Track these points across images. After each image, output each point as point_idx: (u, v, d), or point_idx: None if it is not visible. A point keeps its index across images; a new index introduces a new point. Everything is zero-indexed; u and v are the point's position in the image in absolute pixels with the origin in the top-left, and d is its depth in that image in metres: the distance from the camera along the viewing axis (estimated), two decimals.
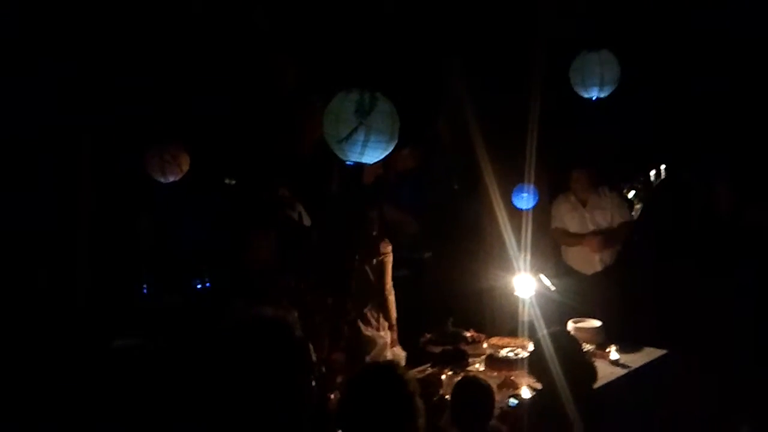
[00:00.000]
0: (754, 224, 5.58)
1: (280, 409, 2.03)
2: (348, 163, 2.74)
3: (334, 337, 3.61)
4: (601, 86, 3.74)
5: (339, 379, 3.26)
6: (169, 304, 5.38)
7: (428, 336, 4.71)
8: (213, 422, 2.05)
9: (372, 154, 2.71)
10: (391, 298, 4.78)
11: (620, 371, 4.24)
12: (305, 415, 2.15)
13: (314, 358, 2.04)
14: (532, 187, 5.21)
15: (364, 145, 2.66)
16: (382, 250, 4.66)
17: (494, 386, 4.01)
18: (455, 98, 4.96)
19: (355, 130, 2.59)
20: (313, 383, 2.12)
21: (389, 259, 4.70)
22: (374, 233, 4.66)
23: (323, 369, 3.16)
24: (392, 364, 2.80)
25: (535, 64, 4.48)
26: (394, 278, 5.05)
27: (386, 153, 2.78)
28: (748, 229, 5.58)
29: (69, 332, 4.69)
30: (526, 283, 4.72)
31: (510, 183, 5.28)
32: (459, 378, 3.70)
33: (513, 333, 4.73)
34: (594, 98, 3.80)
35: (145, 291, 5.91)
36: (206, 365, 2.17)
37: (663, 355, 4.46)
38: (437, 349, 4.43)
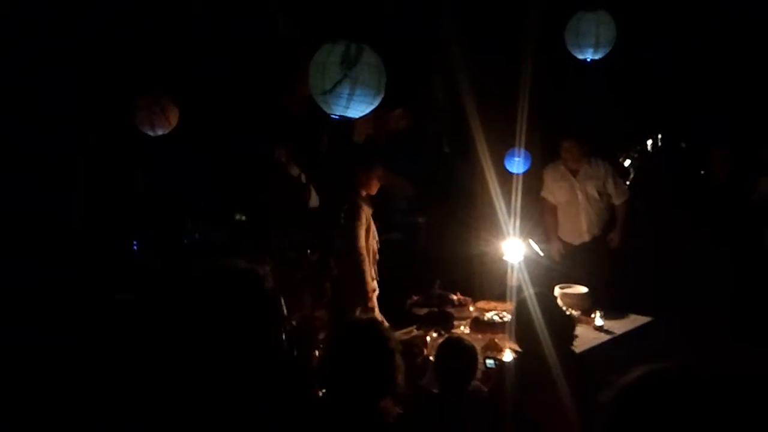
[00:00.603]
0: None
1: (249, 359, 2.03)
2: (333, 116, 2.69)
3: (317, 294, 3.60)
4: (596, 47, 3.67)
5: (321, 336, 3.26)
6: (158, 260, 5.36)
7: (415, 298, 4.71)
8: (183, 372, 2.04)
9: (357, 108, 2.66)
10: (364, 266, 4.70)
11: (604, 337, 4.26)
12: (275, 365, 2.14)
13: (285, 311, 2.02)
14: (524, 151, 5.15)
15: (350, 99, 2.60)
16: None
17: (478, 348, 4.05)
18: (450, 59, 4.87)
19: (339, 82, 2.54)
20: (284, 336, 2.11)
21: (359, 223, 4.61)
22: (364, 193, 4.63)
23: (305, 325, 3.15)
24: (373, 321, 2.79)
25: (530, 25, 4.39)
26: (387, 241, 5.06)
27: (372, 107, 2.73)
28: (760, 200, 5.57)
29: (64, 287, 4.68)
30: (514, 249, 4.71)
31: (503, 147, 5.22)
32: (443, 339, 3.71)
33: (501, 297, 4.74)
34: (588, 59, 3.73)
35: (135, 247, 5.88)
36: (177, 315, 2.16)
37: (647, 322, 4.48)
38: (423, 311, 4.45)
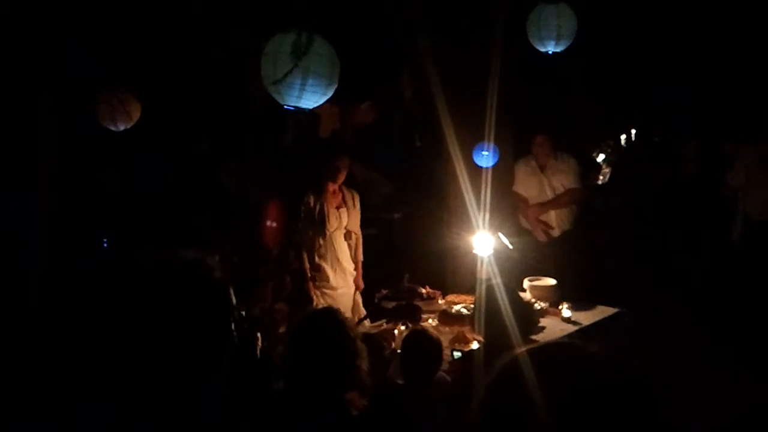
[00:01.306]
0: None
1: (198, 351, 2.02)
2: (287, 107, 2.68)
3: (277, 287, 3.59)
4: (558, 40, 3.68)
5: (282, 330, 3.26)
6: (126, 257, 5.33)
7: (384, 292, 4.73)
8: (131, 362, 2.03)
9: (310, 99, 2.65)
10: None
11: (571, 328, 4.28)
12: (224, 357, 2.14)
13: (234, 301, 2.01)
14: (492, 145, 5.17)
15: (302, 89, 2.59)
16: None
17: (446, 341, 4.07)
18: (417, 53, 4.87)
19: (290, 71, 2.53)
20: (233, 326, 2.10)
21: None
22: (330, 184, 4.65)
23: (265, 318, 3.15)
24: (332, 310, 2.81)
25: (497, 18, 4.40)
26: (363, 237, 5.09)
27: (326, 98, 2.72)
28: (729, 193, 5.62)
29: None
30: (484, 242, 4.73)
31: (473, 141, 5.24)
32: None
33: (471, 290, 4.75)
34: (550, 52, 3.74)
35: (105, 245, 5.85)
36: (124, 305, 2.14)
37: (614, 314, 4.50)
38: (391, 305, 4.45)
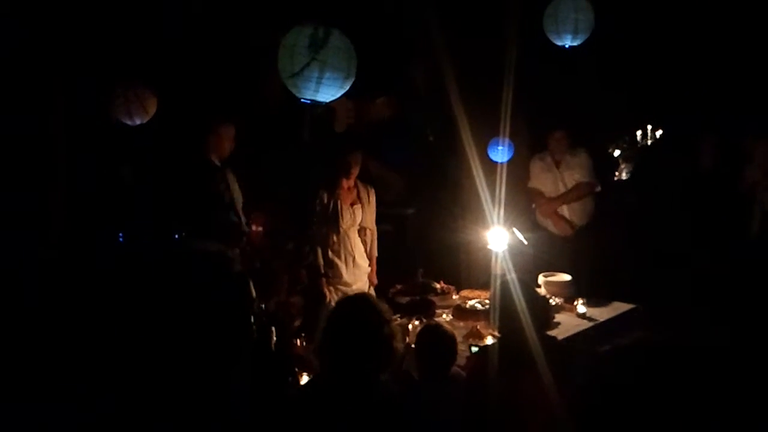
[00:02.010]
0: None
1: (217, 339, 2.04)
2: (303, 100, 2.68)
3: (292, 281, 3.60)
4: (575, 34, 3.65)
5: (297, 323, 3.27)
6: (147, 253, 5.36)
7: (398, 287, 4.73)
8: (153, 351, 2.05)
9: (327, 92, 2.65)
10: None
11: (586, 324, 4.26)
12: (243, 347, 2.15)
13: (254, 293, 2.03)
14: (507, 140, 5.15)
15: (319, 82, 2.59)
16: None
17: (460, 336, 4.07)
18: (432, 47, 4.86)
19: (308, 65, 2.53)
20: (252, 318, 2.12)
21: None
22: (344, 180, 4.65)
23: (281, 312, 3.16)
24: (365, 294, 2.82)
25: (513, 11, 4.38)
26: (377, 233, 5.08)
27: (342, 91, 2.72)
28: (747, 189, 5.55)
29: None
30: (499, 237, 4.72)
31: (487, 136, 5.22)
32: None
33: (486, 286, 4.74)
34: (567, 46, 3.72)
35: (121, 239, 5.88)
36: (149, 296, 2.17)
37: (630, 310, 4.47)
38: (405, 300, 4.45)
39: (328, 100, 2.71)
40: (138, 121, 4.76)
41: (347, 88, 2.74)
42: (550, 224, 5.63)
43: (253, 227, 4.58)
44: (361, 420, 2.42)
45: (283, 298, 3.34)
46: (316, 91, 2.62)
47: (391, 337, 2.52)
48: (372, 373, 2.47)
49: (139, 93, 4.72)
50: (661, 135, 7.87)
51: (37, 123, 4.59)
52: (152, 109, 4.77)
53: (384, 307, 2.61)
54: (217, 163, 4.39)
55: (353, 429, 2.40)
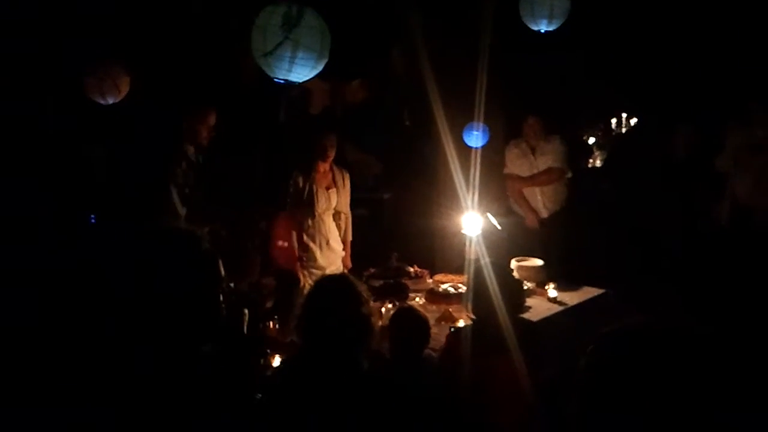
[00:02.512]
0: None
1: (186, 319, 2.02)
2: (276, 80, 2.66)
3: (265, 262, 3.59)
4: (551, 18, 3.66)
5: (269, 304, 3.26)
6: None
7: (372, 271, 4.74)
8: (119, 328, 2.02)
9: (300, 72, 2.63)
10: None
11: (557, 308, 4.31)
12: (211, 327, 2.13)
13: (222, 272, 2.01)
14: (482, 125, 5.16)
15: (292, 62, 2.57)
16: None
17: (433, 319, 4.09)
18: (408, 30, 4.83)
19: (280, 44, 2.50)
20: (221, 297, 2.10)
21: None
22: (319, 162, 4.63)
23: (253, 292, 3.15)
24: (343, 275, 2.82)
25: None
26: (352, 218, 5.07)
27: (316, 71, 2.70)
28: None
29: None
30: (473, 222, 4.74)
31: (462, 121, 5.23)
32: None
33: (460, 270, 4.77)
34: (542, 30, 3.73)
35: (93, 221, 5.81)
36: (115, 276, 2.14)
37: (600, 294, 4.53)
38: (378, 283, 4.46)
39: (301, 80, 2.69)
40: (111, 100, 4.68)
41: (321, 68, 2.72)
42: (522, 210, 5.69)
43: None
44: (344, 398, 2.43)
45: (255, 278, 3.32)
46: (289, 70, 2.60)
47: (370, 315, 2.54)
48: (353, 352, 2.47)
49: (111, 72, 4.65)
50: (636, 123, 7.97)
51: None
52: (125, 89, 4.70)
53: (363, 286, 2.63)
54: (193, 151, 4.34)
55: (335, 408, 2.41)
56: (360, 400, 2.47)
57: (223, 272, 2.11)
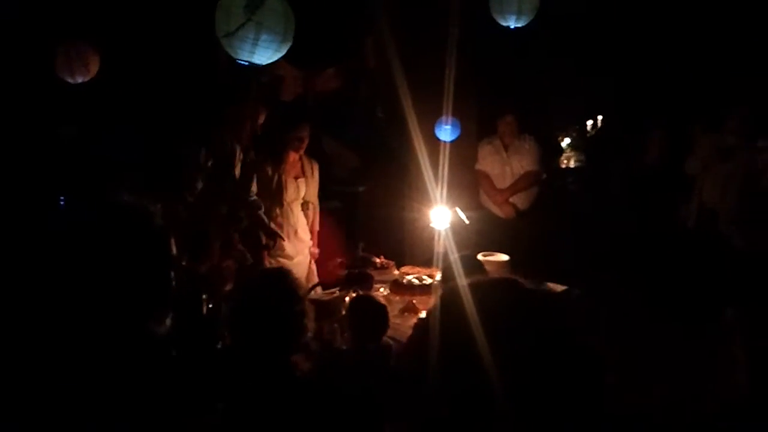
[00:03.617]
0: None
1: (134, 298, 2.00)
2: (240, 61, 2.66)
3: (225, 245, 3.59)
4: (519, 15, 3.69)
5: (228, 287, 3.26)
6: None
7: (338, 261, 4.75)
8: (66, 311, 2.00)
9: (264, 54, 2.64)
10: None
11: None
12: (162, 306, 2.12)
13: (174, 251, 2.00)
14: (452, 119, 5.20)
15: (255, 44, 2.58)
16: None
17: (396, 310, 4.12)
18: (381, 21, 4.84)
19: (243, 25, 2.51)
20: (172, 275, 2.10)
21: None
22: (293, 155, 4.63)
23: (212, 276, 3.15)
24: (281, 269, 2.83)
25: None
26: (326, 210, 5.07)
27: (280, 54, 2.71)
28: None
29: None
30: (441, 216, 4.77)
31: (435, 114, 5.26)
32: None
33: (428, 263, 4.80)
34: (512, 26, 3.76)
35: (62, 203, 5.75)
36: (63, 252, 2.11)
37: (563, 290, 4.58)
38: (343, 273, 4.47)
39: (264, 62, 2.70)
40: (80, 80, 4.65)
41: (284, 51, 2.73)
42: (493, 206, 5.75)
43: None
44: (266, 397, 2.44)
45: (215, 261, 3.33)
46: (252, 52, 2.61)
47: (303, 315, 2.55)
48: (280, 350, 2.47)
49: (81, 51, 4.61)
50: (602, 124, 8.06)
51: None
52: (95, 68, 4.67)
53: (299, 283, 2.63)
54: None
55: (257, 406, 2.42)
56: (284, 401, 2.48)
57: (174, 250, 2.10)
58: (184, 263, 2.30)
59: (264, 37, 2.59)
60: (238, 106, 4.12)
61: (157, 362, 2.02)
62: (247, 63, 2.70)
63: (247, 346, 2.50)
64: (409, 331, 3.74)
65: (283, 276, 2.70)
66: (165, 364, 2.07)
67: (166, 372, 2.07)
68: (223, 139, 4.00)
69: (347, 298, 4.20)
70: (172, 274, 2.12)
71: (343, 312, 4.02)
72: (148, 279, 2.05)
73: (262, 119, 4.31)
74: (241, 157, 4.15)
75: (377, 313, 3.35)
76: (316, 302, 4.22)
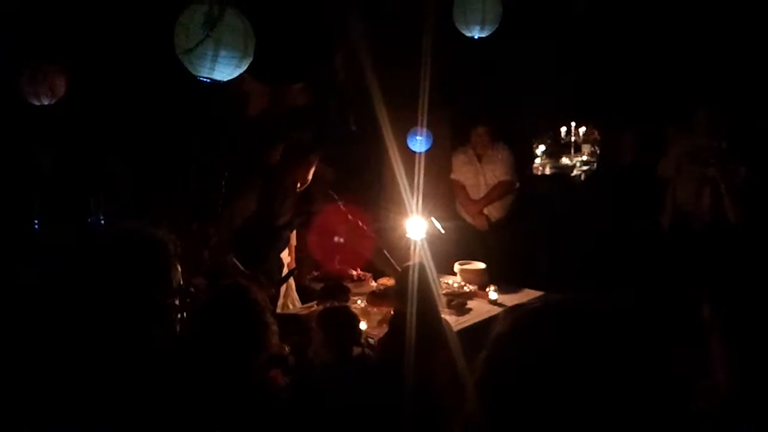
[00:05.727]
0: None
1: (142, 327, 2.00)
2: (200, 78, 2.67)
3: (195, 262, 3.58)
4: (483, 25, 3.73)
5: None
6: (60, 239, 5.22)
7: (315, 274, 4.75)
8: (77, 336, 1.99)
9: (223, 70, 2.64)
10: None
11: (497, 309, 4.38)
12: (166, 334, 2.13)
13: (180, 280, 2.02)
14: (425, 130, 5.23)
15: (214, 60, 2.59)
16: None
17: (374, 321, 4.12)
18: (351, 36, 4.87)
19: (201, 42, 2.52)
20: (177, 302, 2.12)
21: None
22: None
23: (183, 294, 3.12)
24: (238, 284, 2.83)
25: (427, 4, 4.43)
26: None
27: (240, 70, 2.72)
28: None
29: None
30: (417, 226, 4.78)
31: (408, 126, 5.29)
32: None
33: None
34: (476, 37, 3.79)
35: (36, 226, 5.72)
36: (78, 281, 2.10)
37: (539, 296, 4.60)
38: (319, 286, 4.47)
39: (225, 79, 2.71)
40: (45, 102, 4.62)
41: (245, 67, 2.74)
42: (468, 217, 5.80)
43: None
44: (235, 411, 2.44)
45: (185, 276, 3.31)
46: (212, 69, 2.62)
47: (266, 329, 2.59)
48: (241, 364, 2.48)
49: (47, 73, 4.59)
50: (576, 129, 8.14)
51: None
52: (61, 90, 4.64)
53: (261, 296, 2.66)
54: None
55: (227, 418, 2.42)
56: (256, 415, 2.49)
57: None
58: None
59: (223, 53, 2.60)
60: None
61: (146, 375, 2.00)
62: (208, 80, 2.70)
63: (210, 362, 2.49)
64: None
65: (239, 291, 2.72)
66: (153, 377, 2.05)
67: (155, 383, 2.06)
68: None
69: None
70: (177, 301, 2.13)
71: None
72: (155, 307, 2.05)
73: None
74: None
75: (347, 322, 3.35)
76: (292, 317, 4.23)
